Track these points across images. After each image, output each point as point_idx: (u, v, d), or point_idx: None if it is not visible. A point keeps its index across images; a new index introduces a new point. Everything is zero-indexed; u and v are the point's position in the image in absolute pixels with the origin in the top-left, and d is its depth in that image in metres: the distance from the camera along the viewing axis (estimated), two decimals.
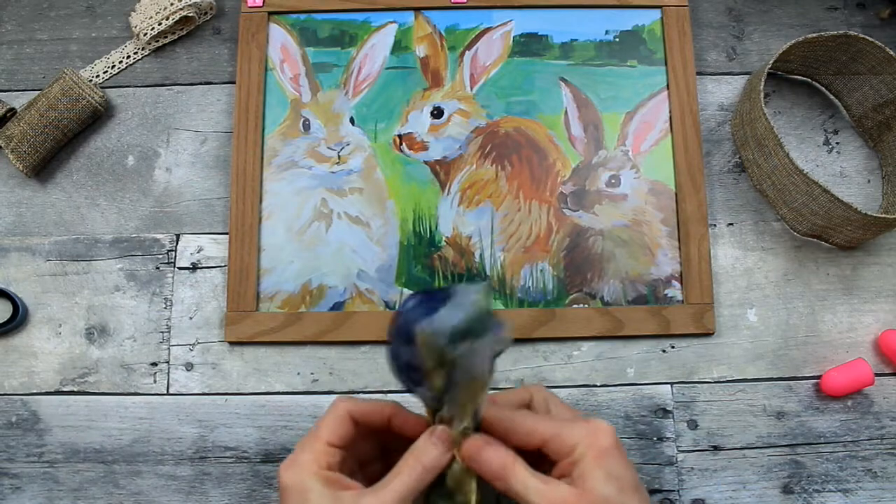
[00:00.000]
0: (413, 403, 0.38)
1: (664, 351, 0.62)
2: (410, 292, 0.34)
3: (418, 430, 0.37)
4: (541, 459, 0.36)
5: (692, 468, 0.60)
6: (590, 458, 0.34)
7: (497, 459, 0.35)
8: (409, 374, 0.35)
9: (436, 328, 0.33)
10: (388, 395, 0.61)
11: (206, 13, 0.69)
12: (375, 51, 0.67)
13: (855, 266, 0.64)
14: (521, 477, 0.35)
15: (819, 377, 0.61)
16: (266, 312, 0.62)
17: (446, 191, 0.64)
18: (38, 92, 0.65)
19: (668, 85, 0.66)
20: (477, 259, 0.63)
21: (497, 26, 0.68)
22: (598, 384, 0.61)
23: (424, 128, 0.65)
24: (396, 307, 0.62)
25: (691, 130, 0.65)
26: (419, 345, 0.33)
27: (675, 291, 0.62)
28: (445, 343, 0.33)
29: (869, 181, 0.66)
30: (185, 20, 0.68)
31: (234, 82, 0.67)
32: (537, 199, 0.64)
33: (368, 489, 0.35)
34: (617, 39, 0.67)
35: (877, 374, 0.60)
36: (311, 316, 0.62)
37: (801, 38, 0.61)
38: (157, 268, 0.64)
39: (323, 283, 0.63)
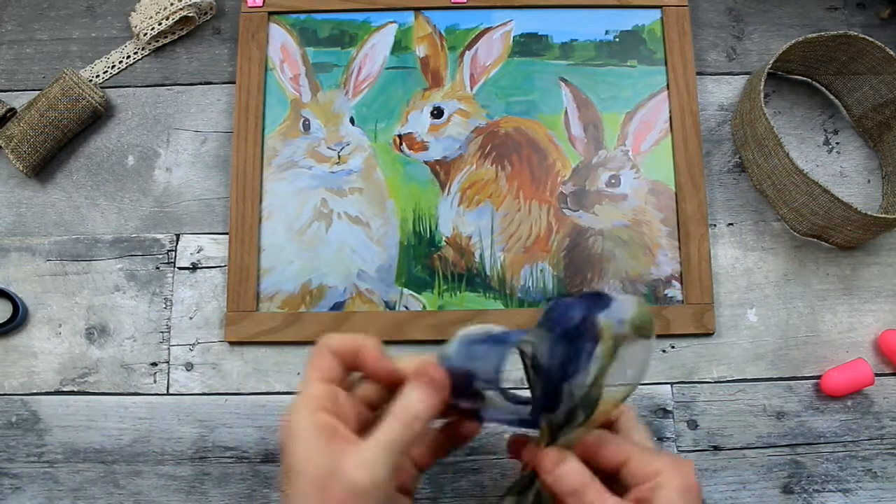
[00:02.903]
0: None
1: (664, 351, 0.62)
2: (552, 299, 0.35)
3: (382, 370, 0.37)
4: (611, 486, 0.36)
5: None
6: (673, 489, 0.34)
7: (575, 475, 0.35)
8: (564, 373, 0.34)
9: (621, 316, 0.33)
10: None
11: (206, 13, 0.69)
12: (375, 51, 0.67)
13: (855, 266, 0.64)
14: (599, 496, 0.34)
15: (819, 377, 0.61)
16: (266, 312, 0.62)
17: (446, 191, 0.64)
18: (38, 92, 0.65)
19: (668, 85, 0.66)
20: (477, 259, 0.63)
21: (497, 26, 0.68)
22: None
23: (424, 128, 0.65)
24: (396, 307, 0.62)
25: (691, 130, 0.65)
26: (602, 334, 0.33)
27: (675, 291, 0.62)
28: (628, 332, 0.33)
29: (869, 181, 0.66)
30: (185, 20, 0.68)
31: (234, 82, 0.67)
32: (537, 199, 0.64)
33: (356, 441, 0.34)
34: (617, 39, 0.67)
35: (877, 374, 0.60)
36: (311, 316, 0.62)
37: (800, 38, 0.61)
38: (157, 268, 0.64)
39: (323, 283, 0.63)
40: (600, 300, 0.34)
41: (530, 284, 0.62)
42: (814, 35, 0.61)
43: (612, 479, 0.36)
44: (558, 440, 0.36)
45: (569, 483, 0.35)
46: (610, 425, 0.40)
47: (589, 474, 0.35)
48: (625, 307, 0.33)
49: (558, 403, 0.34)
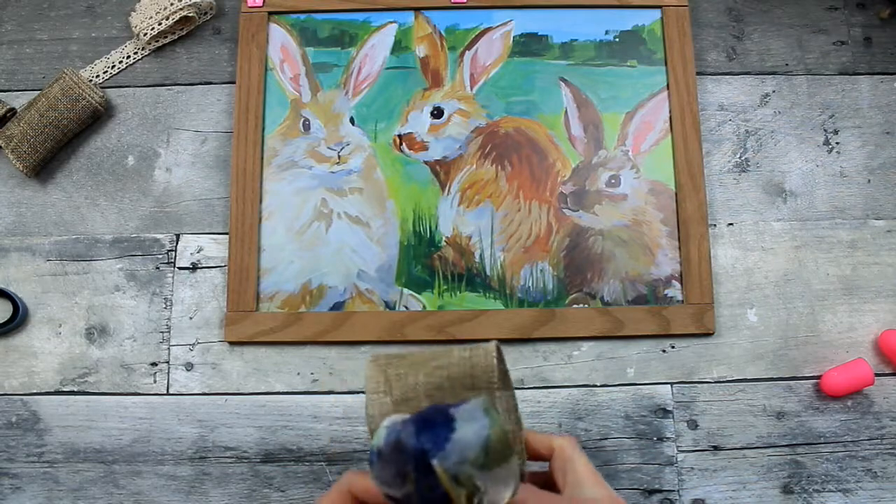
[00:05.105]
0: None
1: (664, 351, 0.62)
2: (395, 420, 0.30)
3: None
4: None
5: (692, 468, 0.60)
6: None
7: None
8: None
9: (461, 456, 0.28)
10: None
11: (206, 13, 0.69)
12: (375, 51, 0.67)
13: (855, 266, 0.64)
14: None
15: (819, 377, 0.61)
16: (266, 312, 0.62)
17: (446, 191, 0.64)
18: (38, 92, 0.65)
19: (668, 85, 0.66)
20: (477, 259, 0.63)
21: (497, 26, 0.68)
22: (598, 384, 0.61)
23: (424, 128, 0.65)
24: (396, 307, 0.62)
25: (691, 130, 0.65)
26: (441, 479, 0.28)
27: (675, 291, 0.62)
28: (474, 473, 0.28)
29: (869, 181, 0.66)
30: (185, 20, 0.68)
31: (234, 82, 0.67)
32: (537, 199, 0.64)
33: None
34: (617, 39, 0.67)
35: (877, 374, 0.60)
36: (311, 316, 0.62)
37: None
38: (157, 268, 0.64)
39: (323, 283, 0.63)
40: (436, 430, 0.29)
41: (530, 284, 0.62)
42: None
43: None
44: None
45: None
46: (546, 459, 0.37)
47: None
48: (466, 439, 0.28)
49: None
